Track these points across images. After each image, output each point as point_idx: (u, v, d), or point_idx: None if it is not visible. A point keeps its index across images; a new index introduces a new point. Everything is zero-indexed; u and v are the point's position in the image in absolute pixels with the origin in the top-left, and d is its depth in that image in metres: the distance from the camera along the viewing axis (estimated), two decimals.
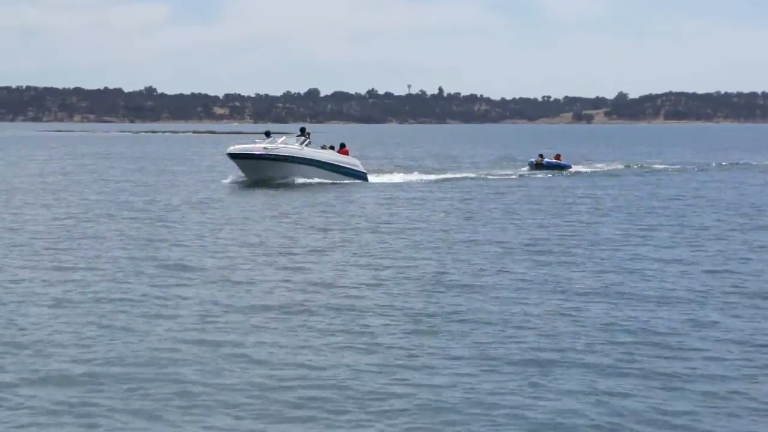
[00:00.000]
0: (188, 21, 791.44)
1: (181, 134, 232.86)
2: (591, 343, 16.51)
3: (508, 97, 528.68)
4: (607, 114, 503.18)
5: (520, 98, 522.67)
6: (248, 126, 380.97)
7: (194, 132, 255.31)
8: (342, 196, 46.20)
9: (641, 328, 17.68)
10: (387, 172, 64.39)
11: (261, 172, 53.80)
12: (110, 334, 17.01)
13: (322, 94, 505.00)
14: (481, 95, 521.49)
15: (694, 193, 49.35)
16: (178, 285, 21.61)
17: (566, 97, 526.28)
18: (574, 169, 70.47)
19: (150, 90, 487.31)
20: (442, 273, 23.34)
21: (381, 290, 21.15)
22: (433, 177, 62.07)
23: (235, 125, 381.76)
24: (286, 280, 22.23)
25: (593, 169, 71.56)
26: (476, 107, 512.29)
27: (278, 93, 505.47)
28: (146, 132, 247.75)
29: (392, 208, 41.11)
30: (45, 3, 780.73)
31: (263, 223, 34.27)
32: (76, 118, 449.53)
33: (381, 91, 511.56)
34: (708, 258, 25.92)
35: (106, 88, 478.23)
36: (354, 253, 26.58)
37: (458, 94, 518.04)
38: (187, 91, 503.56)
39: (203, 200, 44.22)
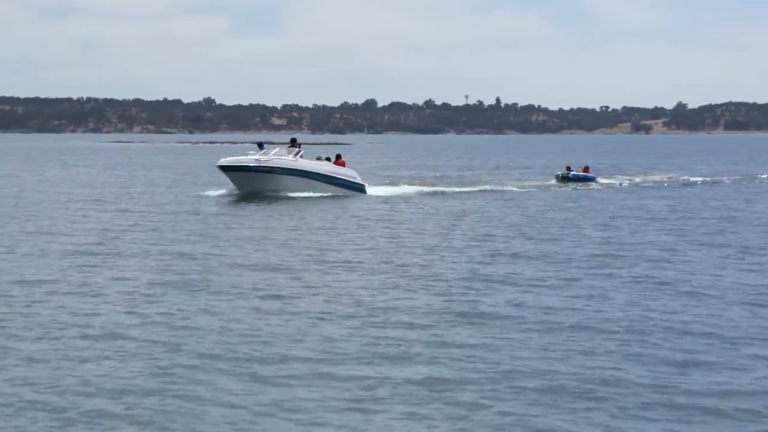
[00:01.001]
0: (247, 32, 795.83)
1: (239, 144, 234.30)
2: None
3: (566, 108, 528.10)
4: (665, 124, 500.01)
5: (578, 108, 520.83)
6: (306, 136, 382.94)
7: (252, 143, 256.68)
8: (337, 210, 45.13)
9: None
10: (393, 184, 62.14)
11: (253, 184, 52.63)
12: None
13: (379, 105, 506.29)
14: (539, 105, 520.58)
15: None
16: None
17: (624, 107, 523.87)
18: (602, 181, 68.69)
19: (209, 101, 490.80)
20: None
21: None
22: (428, 189, 59.49)
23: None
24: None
25: (622, 181, 69.56)
26: (534, 117, 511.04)
27: (336, 103, 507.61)
28: (204, 143, 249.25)
29: (390, 222, 39.83)
30: (106, 15, 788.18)
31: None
32: (136, 129, 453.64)
33: (438, 102, 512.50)
34: None
35: (165, 99, 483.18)
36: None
37: (516, 104, 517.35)
38: (245, 102, 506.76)
39: (185, 211, 43.83)
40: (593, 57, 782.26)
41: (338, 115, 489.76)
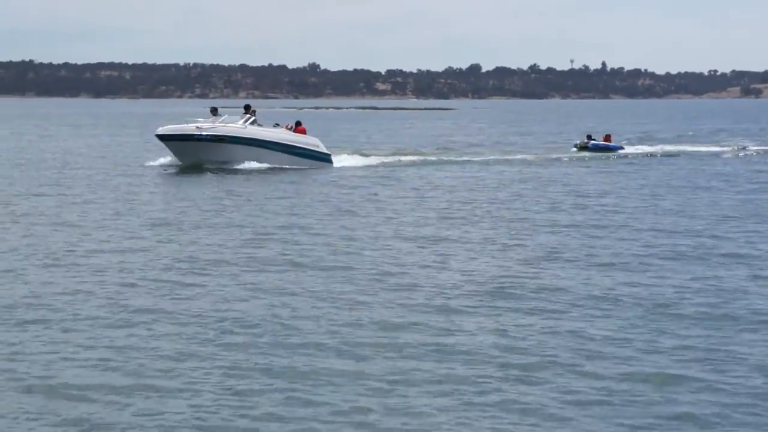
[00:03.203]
0: None
1: (344, 110, 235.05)
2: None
3: (673, 72, 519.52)
4: None
5: (686, 72, 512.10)
6: (410, 101, 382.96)
7: (357, 108, 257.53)
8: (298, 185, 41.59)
9: None
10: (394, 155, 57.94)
11: (195, 155, 48.11)
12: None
13: (483, 70, 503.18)
14: (646, 70, 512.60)
15: None
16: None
17: (734, 71, 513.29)
18: (627, 150, 64.25)
19: (313, 66, 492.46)
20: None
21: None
22: (404, 159, 55.59)
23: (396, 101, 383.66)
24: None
25: (647, 151, 64.90)
26: (640, 82, 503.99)
27: (440, 69, 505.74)
28: (309, 108, 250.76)
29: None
30: None
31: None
32: (242, 94, 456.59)
33: (543, 66, 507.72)
34: None
35: (270, 65, 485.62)
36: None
37: (622, 68, 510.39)
38: (349, 67, 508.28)
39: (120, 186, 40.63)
40: (702, 19, 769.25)
41: (442, 80, 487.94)
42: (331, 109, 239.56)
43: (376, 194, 37.72)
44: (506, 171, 49.70)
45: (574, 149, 63.97)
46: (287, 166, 48.30)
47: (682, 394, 13.12)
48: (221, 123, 49.14)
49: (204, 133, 48.02)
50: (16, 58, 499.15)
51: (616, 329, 16.40)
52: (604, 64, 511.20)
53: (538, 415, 12.34)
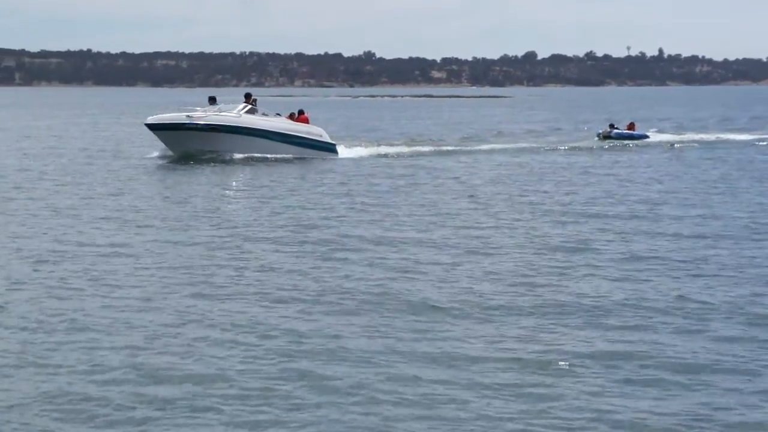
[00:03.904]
0: None
1: (399, 98, 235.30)
2: None
3: (731, 58, 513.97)
4: None
5: (744, 59, 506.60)
6: (465, 89, 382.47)
7: (412, 96, 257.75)
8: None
9: None
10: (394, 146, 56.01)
11: (187, 144, 46.18)
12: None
13: (539, 57, 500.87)
14: (703, 56, 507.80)
15: None
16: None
17: None
18: (653, 139, 62.65)
19: (369, 54, 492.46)
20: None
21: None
22: (409, 150, 53.65)
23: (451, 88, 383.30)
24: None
25: (677, 140, 63.18)
26: (698, 69, 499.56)
27: (495, 56, 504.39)
28: (365, 96, 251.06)
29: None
30: None
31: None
32: (297, 83, 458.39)
33: (599, 53, 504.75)
34: None
35: (326, 53, 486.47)
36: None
37: (679, 55, 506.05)
38: (404, 55, 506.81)
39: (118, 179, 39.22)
40: (761, 2, 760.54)
41: (498, 68, 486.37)
42: (386, 98, 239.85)
43: (363, 186, 36.47)
44: (527, 160, 48.66)
45: (597, 138, 62.58)
46: (288, 156, 46.61)
47: None
48: (213, 112, 47.20)
49: (195, 122, 46.14)
50: (74, 47, 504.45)
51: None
52: (661, 50, 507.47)
53: None
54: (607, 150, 56.16)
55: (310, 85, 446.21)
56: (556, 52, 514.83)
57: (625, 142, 60.45)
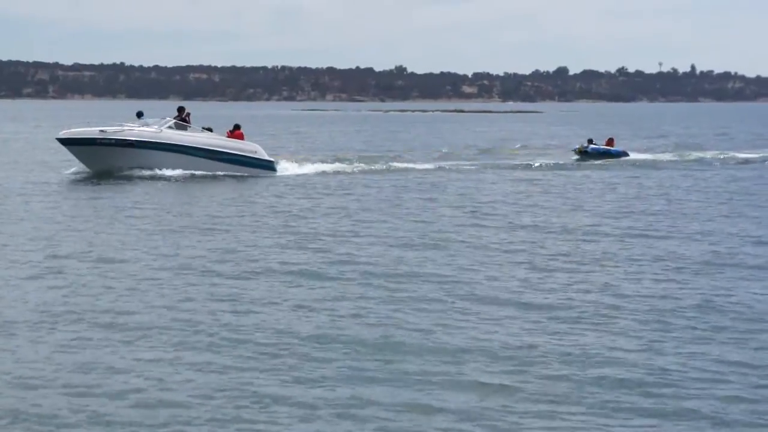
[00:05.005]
0: (438, 0, 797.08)
1: (429, 113, 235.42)
2: None
3: (764, 75, 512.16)
4: None
5: None
6: (496, 105, 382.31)
7: (442, 111, 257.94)
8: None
9: None
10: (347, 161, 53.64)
11: (103, 161, 44.01)
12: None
13: (570, 72, 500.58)
14: (736, 72, 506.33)
15: None
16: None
17: None
18: (633, 156, 59.83)
19: (400, 69, 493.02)
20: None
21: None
22: (349, 167, 50.52)
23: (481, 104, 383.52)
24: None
25: (656, 158, 60.58)
26: (730, 85, 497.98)
27: (527, 71, 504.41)
28: (396, 111, 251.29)
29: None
30: None
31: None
32: (329, 97, 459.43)
33: (631, 69, 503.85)
34: None
35: (357, 68, 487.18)
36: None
37: (711, 71, 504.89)
38: (436, 70, 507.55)
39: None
40: None
41: (529, 83, 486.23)
42: (417, 112, 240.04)
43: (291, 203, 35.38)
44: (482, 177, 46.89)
45: (573, 154, 60.07)
46: (218, 173, 44.49)
47: None
48: (130, 127, 45.09)
49: (108, 137, 43.99)
50: (107, 60, 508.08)
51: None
52: (693, 66, 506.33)
53: None
54: (572, 168, 53.48)
55: (341, 100, 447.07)
56: (587, 67, 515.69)
57: (600, 160, 57.39)
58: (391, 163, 53.70)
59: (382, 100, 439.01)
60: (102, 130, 44.47)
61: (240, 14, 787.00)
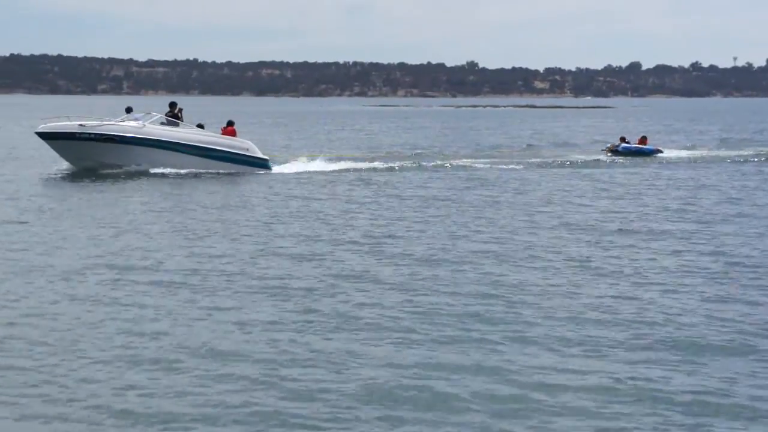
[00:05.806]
0: None
1: (501, 108, 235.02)
2: None
3: None
4: None
5: None
6: (568, 100, 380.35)
7: (514, 106, 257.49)
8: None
9: None
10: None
11: (84, 156, 42.44)
12: None
13: (643, 67, 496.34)
14: None
15: None
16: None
17: None
18: (666, 154, 57.94)
19: (472, 64, 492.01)
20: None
21: None
22: (352, 165, 48.30)
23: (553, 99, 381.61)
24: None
25: (692, 156, 58.23)
26: None
27: (599, 66, 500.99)
28: (467, 107, 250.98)
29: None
30: None
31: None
32: (400, 92, 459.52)
33: (705, 64, 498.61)
34: None
35: (429, 63, 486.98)
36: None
37: None
38: (507, 66, 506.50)
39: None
40: None
41: (601, 78, 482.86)
42: (488, 107, 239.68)
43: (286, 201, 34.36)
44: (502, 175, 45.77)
45: (604, 152, 58.89)
46: (209, 171, 43.02)
47: None
48: (115, 121, 43.63)
49: (87, 131, 42.28)
50: (180, 57, 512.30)
51: None
52: None
53: None
54: (605, 166, 51.67)
55: (412, 95, 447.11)
56: (660, 62, 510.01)
57: (634, 157, 56.25)
58: (421, 162, 51.12)
59: (454, 96, 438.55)
60: (81, 124, 42.66)
61: (311, 10, 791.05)
